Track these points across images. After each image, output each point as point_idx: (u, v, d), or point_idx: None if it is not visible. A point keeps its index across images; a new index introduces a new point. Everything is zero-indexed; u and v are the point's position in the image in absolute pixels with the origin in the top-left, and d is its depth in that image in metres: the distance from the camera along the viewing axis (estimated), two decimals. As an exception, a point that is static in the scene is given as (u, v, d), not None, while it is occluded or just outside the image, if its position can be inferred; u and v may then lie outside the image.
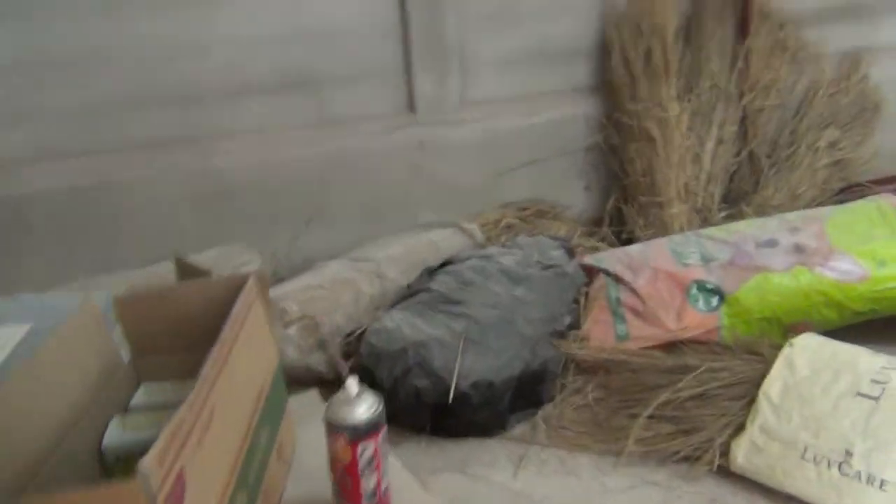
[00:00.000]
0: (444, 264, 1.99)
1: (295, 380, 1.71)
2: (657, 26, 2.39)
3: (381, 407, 1.21)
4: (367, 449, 1.19)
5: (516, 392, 1.71)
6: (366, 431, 1.19)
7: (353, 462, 1.19)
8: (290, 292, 1.85)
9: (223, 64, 2.10)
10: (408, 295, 1.92)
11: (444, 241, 2.17)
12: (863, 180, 2.49)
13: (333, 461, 1.22)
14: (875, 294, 1.86)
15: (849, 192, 2.47)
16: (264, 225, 2.18)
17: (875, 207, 2.00)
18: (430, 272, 1.97)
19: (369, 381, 1.70)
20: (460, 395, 1.64)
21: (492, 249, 2.04)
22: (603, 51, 2.45)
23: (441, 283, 1.89)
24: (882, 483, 1.35)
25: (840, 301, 1.88)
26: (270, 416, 1.27)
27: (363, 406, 1.19)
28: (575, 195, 2.52)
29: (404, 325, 1.77)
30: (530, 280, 1.90)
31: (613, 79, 2.43)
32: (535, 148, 2.43)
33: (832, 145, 2.49)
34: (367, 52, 2.24)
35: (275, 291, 1.86)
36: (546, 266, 1.96)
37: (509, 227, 2.35)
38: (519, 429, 1.72)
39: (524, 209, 2.44)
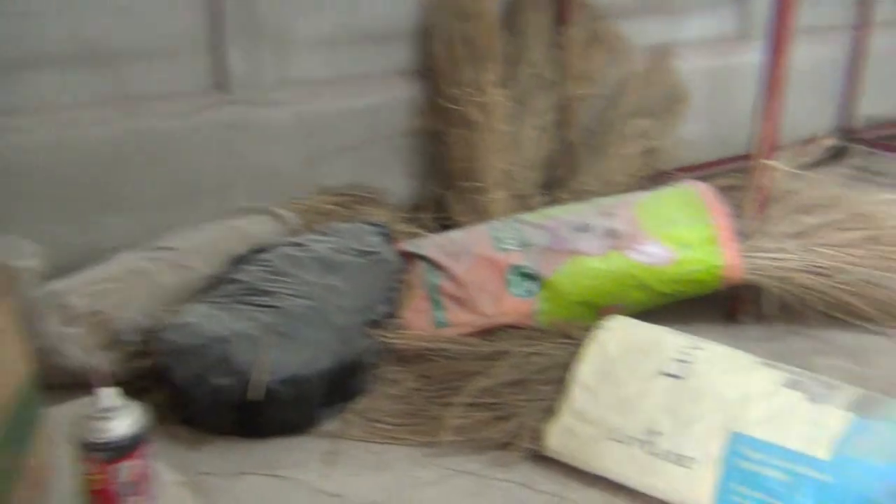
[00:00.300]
0: (254, 252, 1.86)
1: (80, 383, 1.54)
2: (478, 11, 2.36)
3: (142, 421, 1.07)
4: (125, 469, 1.05)
5: (329, 386, 1.62)
6: (123, 450, 1.04)
7: (107, 485, 1.04)
8: (74, 286, 1.66)
9: (5, 33, 1.86)
10: (212, 286, 1.78)
11: (256, 229, 2.04)
12: (670, 168, 2.59)
13: (85, 484, 1.07)
14: (680, 276, 1.92)
15: (657, 179, 2.56)
16: (50, 212, 1.96)
17: (681, 193, 2.07)
18: (238, 261, 1.84)
19: (168, 381, 1.56)
20: (267, 393, 1.53)
21: (306, 236, 1.93)
22: (425, 34, 2.40)
23: (249, 274, 1.76)
24: (685, 460, 1.37)
25: (649, 283, 1.93)
26: (12, 436, 1.09)
27: (119, 420, 1.04)
28: (396, 181, 2.46)
29: (207, 319, 1.63)
30: (345, 268, 1.81)
31: (435, 63, 2.39)
32: (356, 132, 2.34)
33: (643, 134, 2.57)
34: (169, 24, 2.06)
35: (56, 285, 1.67)
36: (362, 253, 1.88)
37: (328, 213, 2.25)
38: (330, 424, 1.64)
39: (344, 195, 2.35)
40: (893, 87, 3.28)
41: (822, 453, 1.27)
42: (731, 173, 2.34)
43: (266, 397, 1.53)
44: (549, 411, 1.55)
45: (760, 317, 2.04)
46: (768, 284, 1.96)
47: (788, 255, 1.97)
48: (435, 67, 2.39)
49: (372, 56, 2.37)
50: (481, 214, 2.30)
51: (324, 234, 1.95)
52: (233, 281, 1.75)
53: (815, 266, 1.96)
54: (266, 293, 1.70)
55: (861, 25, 3.09)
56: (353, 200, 2.35)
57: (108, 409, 1.02)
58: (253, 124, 2.21)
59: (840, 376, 1.78)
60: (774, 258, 1.97)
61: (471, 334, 1.83)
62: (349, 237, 1.93)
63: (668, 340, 1.54)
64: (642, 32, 2.68)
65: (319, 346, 1.63)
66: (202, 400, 1.52)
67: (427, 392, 1.70)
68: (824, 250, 1.97)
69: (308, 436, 1.60)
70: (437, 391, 1.69)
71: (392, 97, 2.39)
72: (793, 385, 1.39)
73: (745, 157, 2.08)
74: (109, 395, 1.03)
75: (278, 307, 1.66)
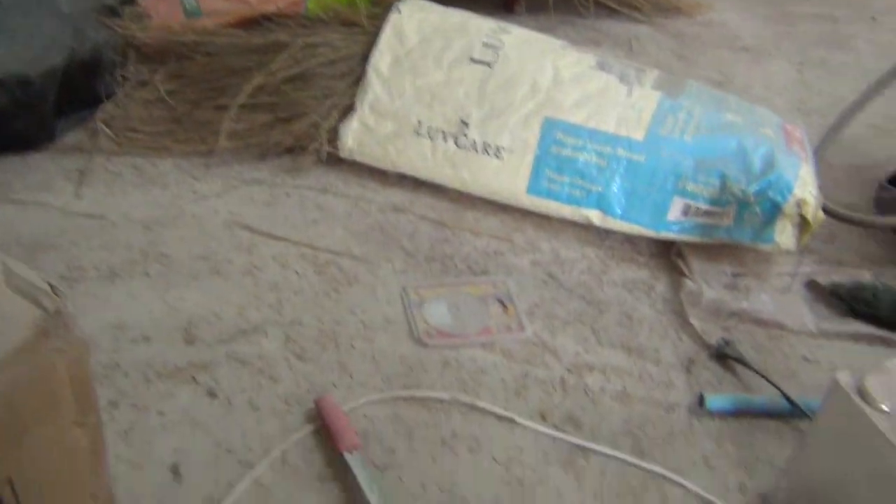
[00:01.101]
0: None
1: None
2: None
3: None
4: None
5: (62, 89, 1.28)
6: None
7: None
8: None
9: None
10: None
11: None
12: None
13: None
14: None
15: None
16: None
17: None
18: None
19: None
20: (-19, 98, 1.17)
21: None
22: None
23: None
24: (498, 150, 1.29)
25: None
26: None
27: None
28: None
29: None
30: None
31: None
32: None
33: None
34: None
35: None
36: (77, -83, 1.44)
37: None
38: (72, 137, 1.33)
39: None
40: None
41: (637, 134, 1.25)
42: None
43: (-19, 106, 1.17)
44: (342, 108, 1.37)
45: (534, 8, 1.95)
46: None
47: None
48: None
49: None
50: None
51: None
52: None
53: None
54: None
55: None
56: None
57: None
58: None
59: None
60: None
61: (232, 25, 1.54)
62: None
63: (473, 24, 1.38)
64: None
65: (43, 39, 1.26)
66: None
67: (188, 94, 1.43)
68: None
69: (46, 152, 1.29)
70: (201, 93, 1.42)
71: None
72: (602, 67, 1.33)
73: None
74: None
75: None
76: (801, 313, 1.22)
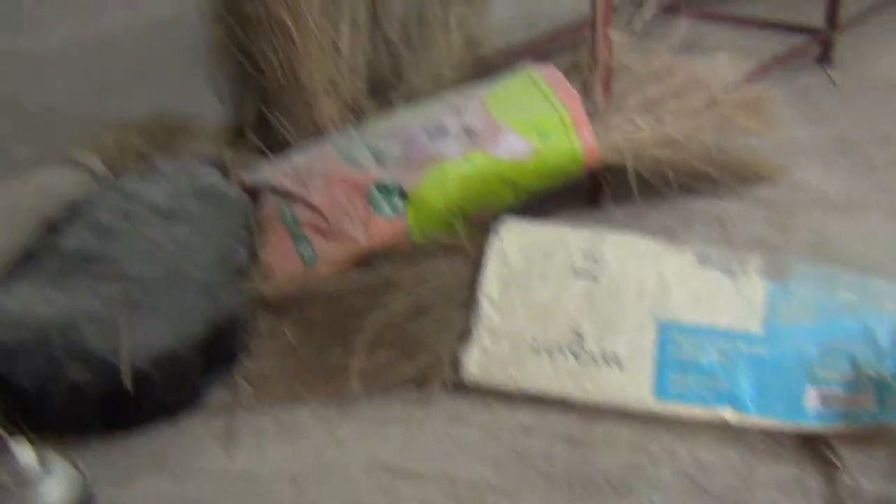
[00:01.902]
0: (68, 212, 1.53)
1: None
2: None
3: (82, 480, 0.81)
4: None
5: (205, 354, 1.39)
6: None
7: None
8: None
9: None
10: (26, 260, 1.45)
11: (57, 183, 1.68)
12: (495, 56, 2.48)
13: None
14: (544, 168, 1.84)
15: (483, 68, 2.44)
16: None
17: (527, 79, 1.96)
18: (52, 226, 1.51)
19: (4, 390, 1.25)
20: (138, 378, 1.28)
21: (130, 184, 1.62)
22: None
23: (73, 238, 1.45)
24: (616, 358, 1.32)
25: (514, 180, 1.83)
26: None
27: (53, 485, 0.78)
28: (204, 104, 2.14)
29: (35, 301, 1.32)
30: (188, 214, 1.55)
31: (226, -38, 2.06)
32: (144, 52, 1.99)
33: (461, 22, 2.42)
34: None
35: None
36: (202, 193, 1.61)
37: (136, 152, 1.92)
38: (216, 396, 1.42)
39: (148, 128, 2.01)
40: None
41: (754, 327, 1.26)
42: (561, 51, 2.28)
43: (137, 384, 1.28)
44: (459, 336, 1.43)
45: (619, 198, 2.03)
46: (625, 162, 1.93)
47: (640, 130, 1.94)
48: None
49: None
50: (312, 130, 2.08)
51: (149, 177, 1.65)
52: (53, 250, 1.43)
53: (666, 137, 1.96)
54: (103, 260, 1.40)
55: None
56: (161, 133, 2.02)
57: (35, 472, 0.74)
58: (12, 54, 1.80)
59: (708, 243, 1.83)
60: (628, 135, 1.94)
61: (345, 268, 1.65)
62: (181, 177, 1.65)
63: (570, 238, 1.46)
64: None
65: (185, 312, 1.38)
66: (60, 402, 1.24)
67: (314, 340, 1.52)
68: (671, 120, 1.97)
69: (194, 416, 1.37)
70: (327, 337, 1.51)
71: (186, 5, 2.05)
72: (704, 262, 1.37)
73: (562, 34, 2.00)
74: (25, 452, 0.75)
75: (124, 274, 1.38)
76: (968, 491, 1.16)
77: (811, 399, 1.23)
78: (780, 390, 1.24)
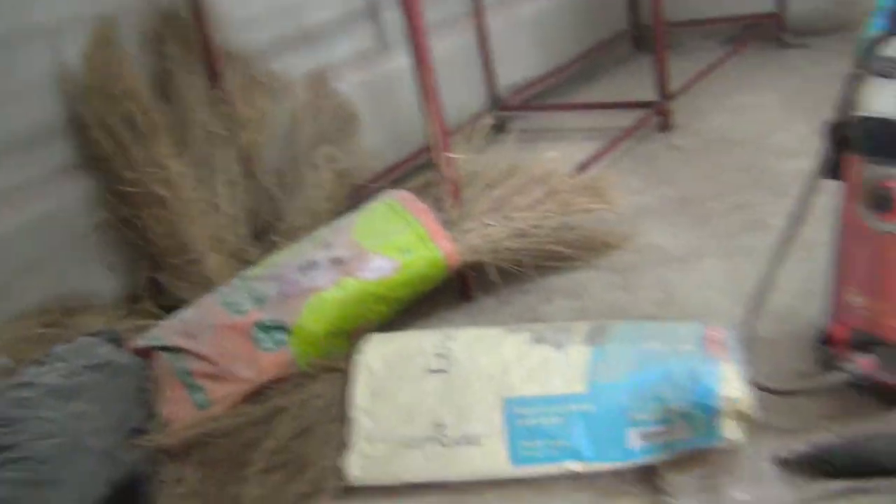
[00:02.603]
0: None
1: None
2: (129, 90, 2.30)
3: None
4: None
5: (113, 513, 1.52)
6: None
7: None
8: None
9: None
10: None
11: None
12: (364, 183, 2.72)
13: None
14: (409, 279, 2.06)
15: (357, 196, 2.68)
16: None
17: (385, 206, 2.20)
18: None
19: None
20: (49, 547, 1.41)
21: (27, 373, 1.77)
22: (79, 125, 2.29)
23: (-23, 434, 1.59)
24: (476, 438, 1.50)
25: (385, 295, 2.04)
26: None
27: None
28: (99, 281, 2.32)
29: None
30: (84, 389, 1.70)
31: (101, 151, 2.28)
32: (36, 245, 2.17)
33: (330, 160, 2.67)
34: None
35: None
36: (97, 367, 1.76)
37: (38, 339, 2.07)
38: (130, 550, 1.54)
39: (47, 313, 2.17)
40: (514, 56, 3.69)
41: (580, 388, 1.45)
42: (419, 171, 2.54)
43: (50, 553, 1.41)
44: (342, 446, 1.59)
45: (488, 288, 2.25)
46: (484, 259, 2.16)
47: (492, 229, 2.18)
48: (102, 155, 2.29)
49: (26, 163, 2.21)
50: (203, 285, 2.26)
51: (45, 363, 1.80)
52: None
53: (516, 230, 2.20)
54: (4, 448, 1.54)
55: (477, 11, 3.44)
56: (60, 316, 2.18)
57: None
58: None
59: (567, 315, 2.05)
60: (482, 235, 2.17)
61: (239, 404, 1.81)
62: (76, 356, 1.80)
63: (424, 341, 1.65)
64: (294, 66, 2.78)
65: (87, 478, 1.52)
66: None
67: (216, 478, 1.66)
68: (518, 214, 2.22)
69: (110, 572, 1.50)
70: (227, 472, 1.66)
71: (66, 197, 2.26)
72: (538, 340, 1.57)
73: (424, 151, 2.26)
74: None
75: (24, 457, 1.52)
76: (778, 491, 1.35)
77: (634, 439, 1.41)
78: (608, 437, 1.42)
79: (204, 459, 1.69)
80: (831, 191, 1.49)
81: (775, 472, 1.39)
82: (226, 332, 1.89)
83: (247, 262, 2.35)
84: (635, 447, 1.42)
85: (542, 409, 1.47)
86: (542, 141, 2.47)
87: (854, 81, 1.33)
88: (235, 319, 1.90)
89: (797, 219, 1.52)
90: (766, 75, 3.55)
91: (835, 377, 1.44)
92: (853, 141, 1.37)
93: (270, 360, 1.88)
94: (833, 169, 1.43)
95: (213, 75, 2.51)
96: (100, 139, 2.27)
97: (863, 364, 1.43)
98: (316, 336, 1.94)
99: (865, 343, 1.47)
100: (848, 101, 1.35)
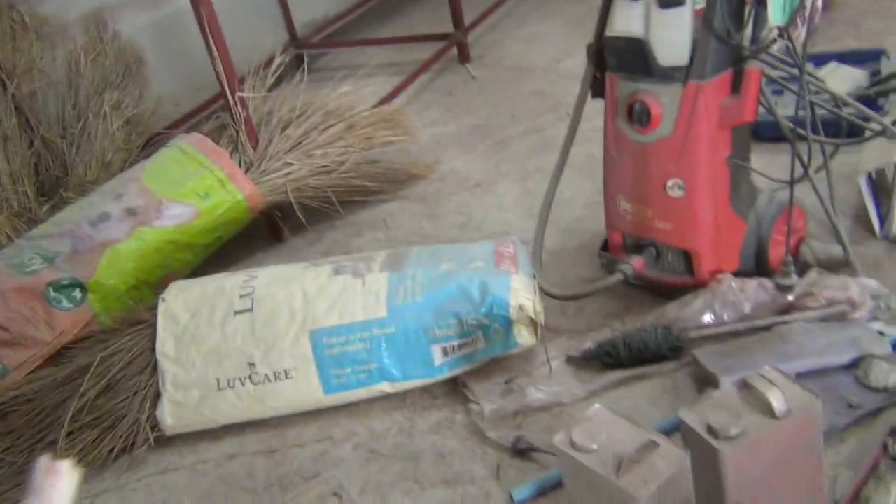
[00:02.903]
0: None
1: None
2: None
3: None
4: None
5: None
6: None
7: None
8: None
9: None
10: None
11: None
12: (158, 129, 2.62)
13: None
14: (212, 224, 2.02)
15: (151, 145, 2.58)
16: None
17: (177, 151, 2.13)
18: None
19: None
20: None
21: None
22: None
23: None
24: (286, 372, 1.52)
25: (188, 242, 2.00)
26: None
27: None
28: None
29: None
30: None
31: None
32: None
33: (116, 107, 2.54)
34: None
35: None
36: None
37: None
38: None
39: None
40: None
41: (381, 313, 1.51)
42: (215, 115, 2.47)
43: None
44: (152, 397, 1.57)
45: (297, 228, 2.25)
46: (289, 198, 2.15)
47: (293, 168, 2.18)
48: None
49: None
50: (-14, 248, 2.12)
51: None
52: None
53: (319, 167, 2.20)
54: None
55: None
56: None
57: None
58: None
59: (377, 247, 2.09)
60: (284, 175, 2.16)
61: (40, 368, 1.74)
62: None
63: (226, 283, 1.64)
64: (66, 7, 2.59)
65: None
66: None
67: (22, 445, 1.59)
68: (319, 151, 2.22)
69: None
70: (35, 437, 1.59)
71: None
72: (337, 272, 1.61)
73: (219, 96, 2.20)
74: None
75: None
76: (570, 386, 1.49)
77: (438, 355, 1.50)
78: (413, 356, 1.50)
79: (9, 428, 1.62)
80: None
81: (567, 370, 1.53)
82: (15, 295, 1.78)
83: (34, 221, 2.21)
84: (440, 363, 1.50)
85: (347, 336, 1.51)
86: (341, 78, 2.46)
87: (606, 4, 1.43)
88: (25, 281, 1.80)
89: (569, 137, 1.64)
90: (554, 4, 3.70)
91: (611, 279, 1.58)
92: (607, 60, 1.49)
93: (68, 319, 1.81)
94: (597, 87, 1.55)
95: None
96: None
97: (635, 265, 1.58)
98: (116, 290, 1.88)
99: (636, 245, 1.62)
100: (602, 23, 1.46)
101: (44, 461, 0.94)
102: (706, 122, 1.43)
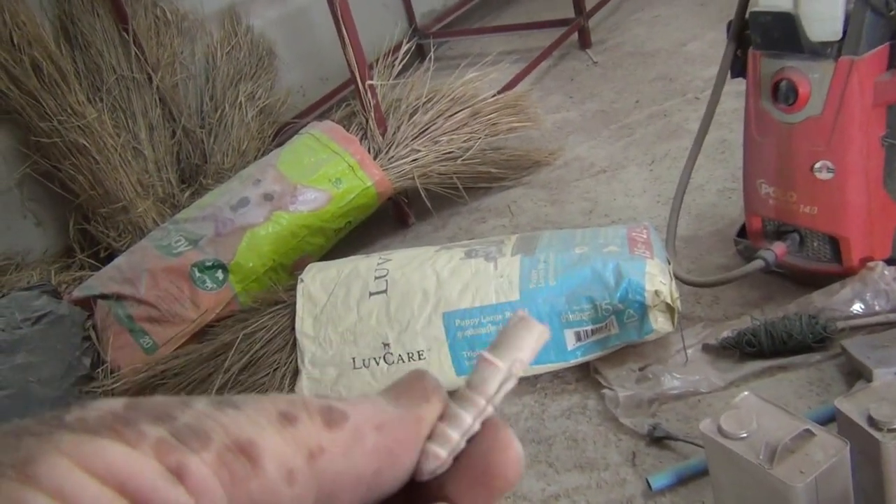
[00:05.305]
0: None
1: None
2: (33, 37, 2.22)
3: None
4: None
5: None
6: None
7: None
8: None
9: None
10: None
11: None
12: (288, 118, 2.71)
13: None
14: (343, 209, 2.08)
15: (281, 133, 2.67)
16: None
17: (311, 138, 2.20)
18: None
19: None
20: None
21: (-36, 331, 1.76)
22: None
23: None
24: (419, 353, 1.55)
25: (320, 226, 2.06)
26: None
27: None
28: (28, 236, 2.28)
29: None
30: (26, 341, 1.69)
31: (11, 104, 2.21)
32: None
33: (250, 98, 2.64)
34: None
35: None
36: (35, 320, 1.76)
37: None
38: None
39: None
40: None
41: (514, 296, 1.52)
42: (345, 103, 2.53)
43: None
44: (293, 373, 1.63)
45: (423, 214, 2.28)
46: (416, 184, 2.19)
47: (420, 154, 2.21)
48: (13, 108, 2.22)
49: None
50: (133, 232, 2.25)
51: (-18, 319, 1.78)
52: None
53: (444, 154, 2.23)
54: (-48, 405, 1.54)
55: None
56: (-8, 275, 2.14)
57: None
58: None
59: (501, 232, 2.10)
60: (411, 161, 2.20)
61: (185, 345, 1.83)
62: (13, 310, 1.78)
63: (361, 266, 1.68)
64: (205, 2, 2.71)
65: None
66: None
67: (169, 415, 1.69)
68: (444, 138, 2.24)
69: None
70: (179, 409, 1.68)
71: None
72: (469, 255, 1.62)
73: (347, 84, 2.26)
74: None
75: (-26, 412, 1.52)
76: (707, 375, 1.45)
77: (570, 340, 1.49)
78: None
79: (155, 400, 1.72)
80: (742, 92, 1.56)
81: (703, 359, 1.49)
82: (163, 275, 1.89)
83: (176, 206, 2.33)
84: (572, 347, 1.49)
85: (480, 319, 1.52)
86: (463, 66, 2.47)
87: (752, -20, 1.38)
88: (172, 262, 1.91)
89: (706, 119, 1.59)
90: (677, -15, 3.60)
91: (751, 266, 1.53)
92: (751, 37, 1.43)
93: (212, 298, 1.90)
94: (738, 66, 1.50)
95: (120, 17, 2.43)
96: (7, 91, 2.20)
97: (777, 251, 1.52)
98: (255, 272, 1.96)
99: (778, 231, 1.56)
100: (745, -1, 1.41)
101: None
102: (859, 101, 1.36)
